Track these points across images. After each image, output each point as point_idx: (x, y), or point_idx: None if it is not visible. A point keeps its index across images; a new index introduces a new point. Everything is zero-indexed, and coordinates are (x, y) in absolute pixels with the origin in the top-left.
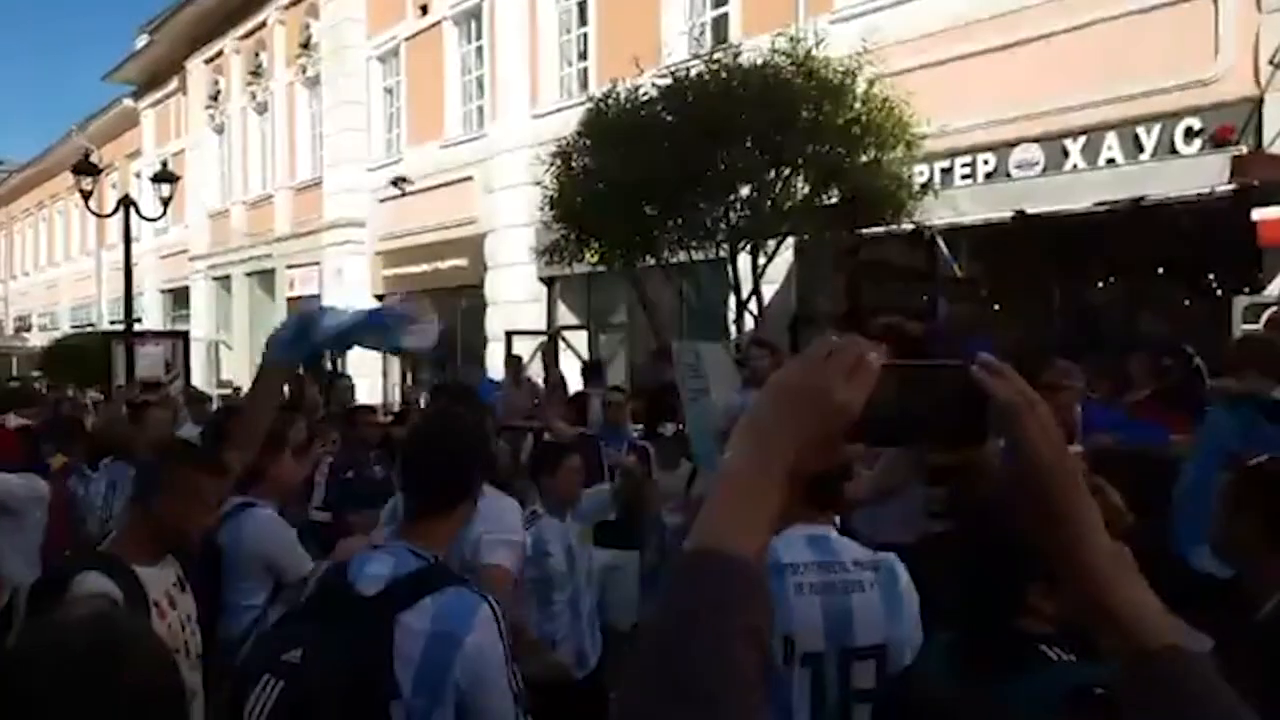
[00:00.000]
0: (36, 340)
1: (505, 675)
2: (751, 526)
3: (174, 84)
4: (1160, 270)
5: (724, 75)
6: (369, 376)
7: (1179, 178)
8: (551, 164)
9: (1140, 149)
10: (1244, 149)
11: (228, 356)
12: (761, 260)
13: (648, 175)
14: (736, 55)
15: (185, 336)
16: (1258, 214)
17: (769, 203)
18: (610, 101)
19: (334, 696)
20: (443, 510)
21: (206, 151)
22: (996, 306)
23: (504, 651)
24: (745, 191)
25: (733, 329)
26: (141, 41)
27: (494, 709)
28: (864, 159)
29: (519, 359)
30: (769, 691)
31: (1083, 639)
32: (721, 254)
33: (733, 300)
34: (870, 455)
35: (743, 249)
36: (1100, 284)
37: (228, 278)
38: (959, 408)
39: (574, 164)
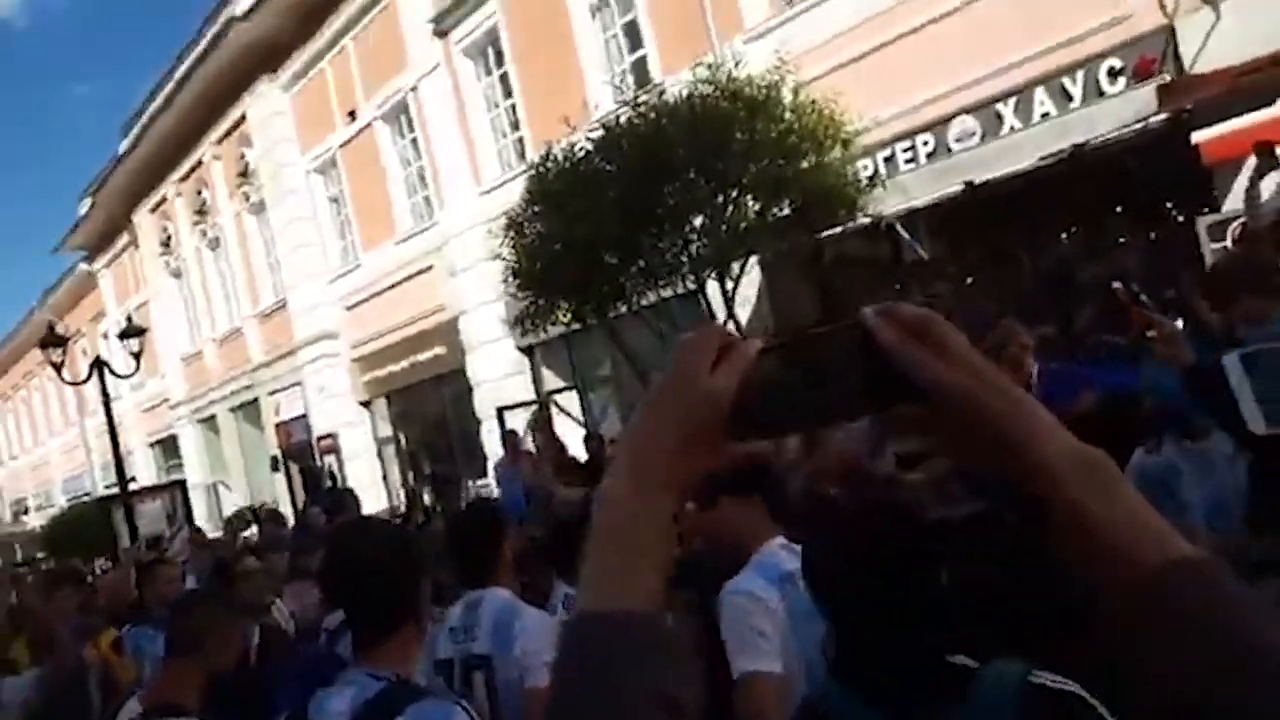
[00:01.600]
0: (35, 520)
1: None
2: (641, 573)
3: (124, 239)
4: (1118, 210)
5: (653, 115)
6: (371, 485)
7: (1113, 117)
8: (505, 236)
9: (1070, 98)
10: (1167, 77)
11: (227, 496)
12: (729, 285)
13: (599, 227)
14: (661, 94)
15: (182, 485)
16: (1197, 136)
17: (723, 227)
18: (549, 164)
19: None
20: (385, 632)
21: (168, 298)
22: (969, 280)
23: None
24: (699, 221)
25: None
26: (85, 207)
27: None
28: (805, 165)
29: (514, 433)
30: None
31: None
32: (690, 286)
33: None
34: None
35: (709, 277)
36: (1064, 236)
37: (213, 417)
38: (860, 368)
39: (526, 231)
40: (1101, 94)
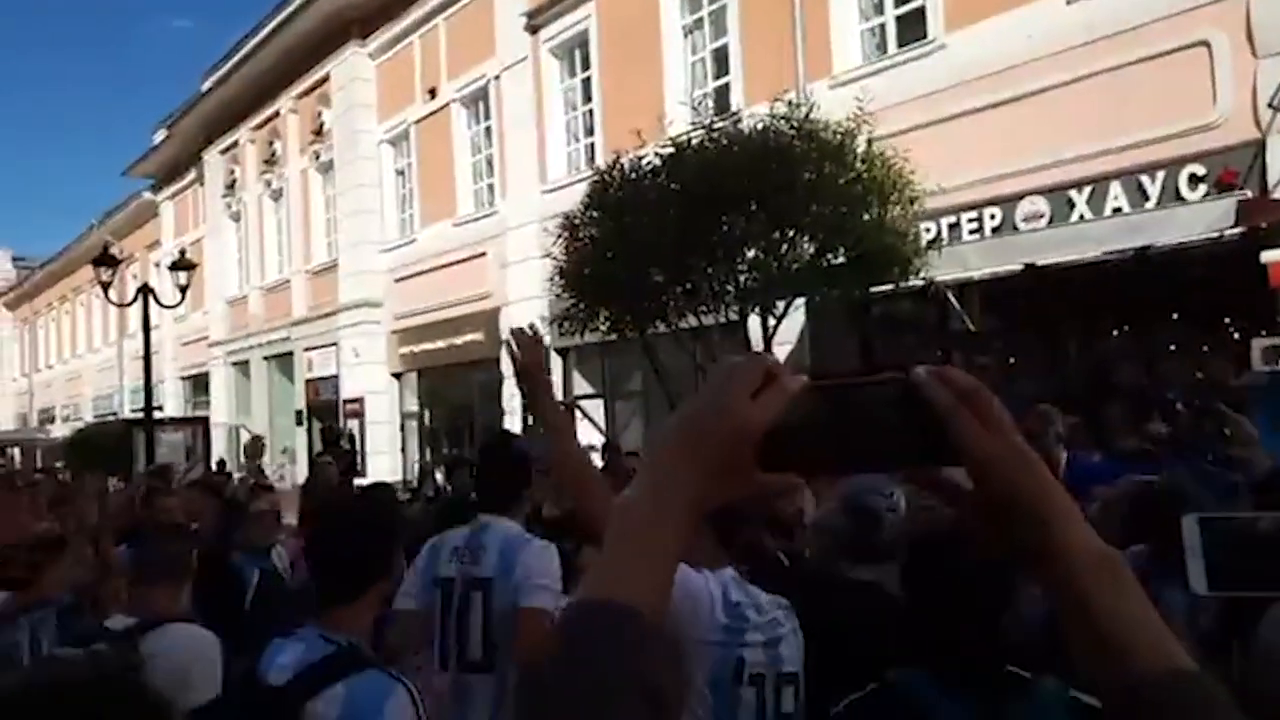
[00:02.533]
0: (60, 431)
1: None
2: (645, 573)
3: (191, 175)
4: (1174, 316)
5: (725, 142)
6: (388, 454)
7: (1185, 224)
8: (559, 236)
9: (1145, 197)
10: (1249, 193)
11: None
12: (771, 322)
13: (653, 243)
14: (737, 122)
15: (205, 422)
16: (1267, 256)
17: (775, 264)
18: (615, 173)
19: None
20: (350, 596)
21: (224, 239)
22: (1011, 360)
23: None
24: (751, 254)
25: None
26: (159, 136)
27: None
28: (866, 217)
29: (536, 429)
30: None
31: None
32: (732, 317)
33: None
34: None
35: (752, 310)
36: (1114, 333)
37: (246, 362)
38: (901, 423)
39: (580, 235)
40: (1179, 198)
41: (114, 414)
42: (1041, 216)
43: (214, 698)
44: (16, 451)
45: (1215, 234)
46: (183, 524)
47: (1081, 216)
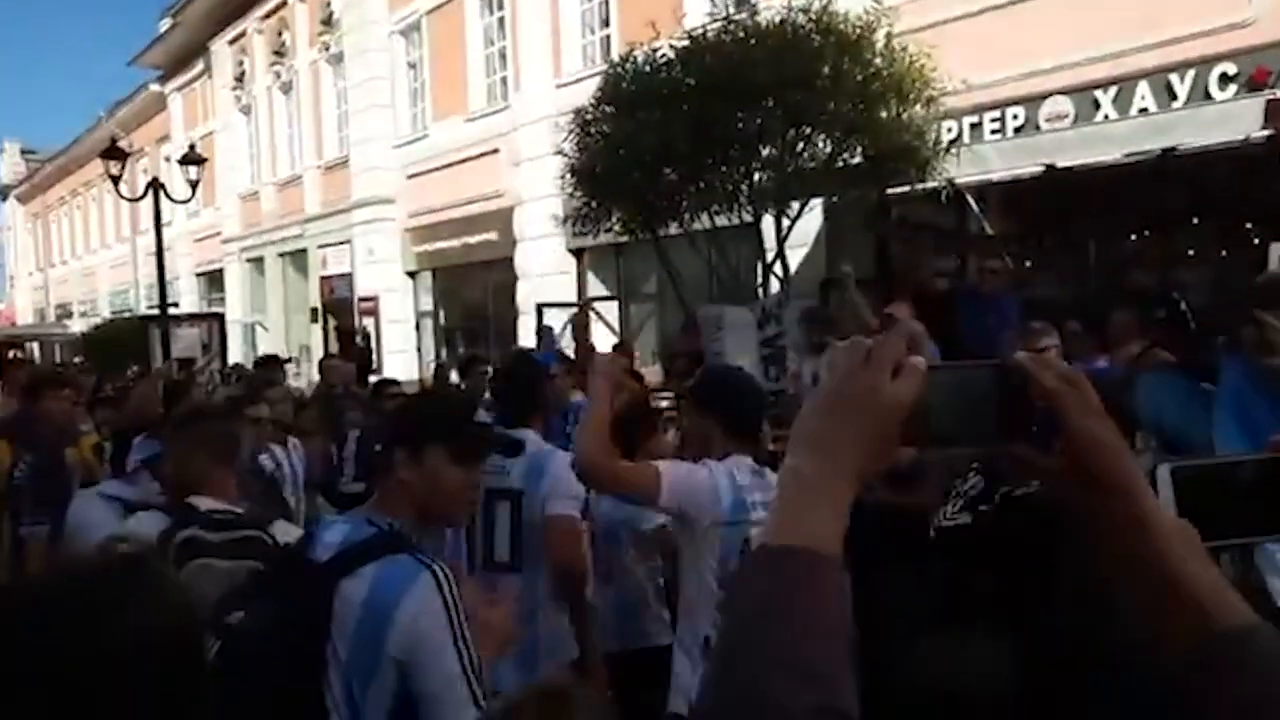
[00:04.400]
0: (77, 326)
1: (449, 645)
2: (831, 527)
3: (199, 67)
4: (1195, 221)
5: (741, 35)
6: (404, 352)
7: (1212, 125)
8: (570, 131)
9: (1174, 97)
10: (1279, 93)
11: (263, 337)
12: (785, 223)
13: (666, 140)
14: (754, 14)
15: (221, 318)
16: None
17: (791, 164)
18: (628, 67)
19: (266, 660)
20: (381, 478)
21: (235, 133)
22: (1028, 264)
23: (448, 621)
24: (766, 152)
25: (760, 293)
26: (165, 25)
27: (436, 680)
28: (885, 115)
29: (549, 329)
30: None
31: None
32: (746, 218)
33: (759, 264)
34: None
35: (767, 211)
36: (1134, 237)
37: (260, 259)
38: (998, 403)
39: (592, 131)
40: (1208, 98)
41: (130, 310)
42: (1065, 117)
43: (260, 571)
44: (35, 346)
45: (1241, 137)
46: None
47: (1106, 117)
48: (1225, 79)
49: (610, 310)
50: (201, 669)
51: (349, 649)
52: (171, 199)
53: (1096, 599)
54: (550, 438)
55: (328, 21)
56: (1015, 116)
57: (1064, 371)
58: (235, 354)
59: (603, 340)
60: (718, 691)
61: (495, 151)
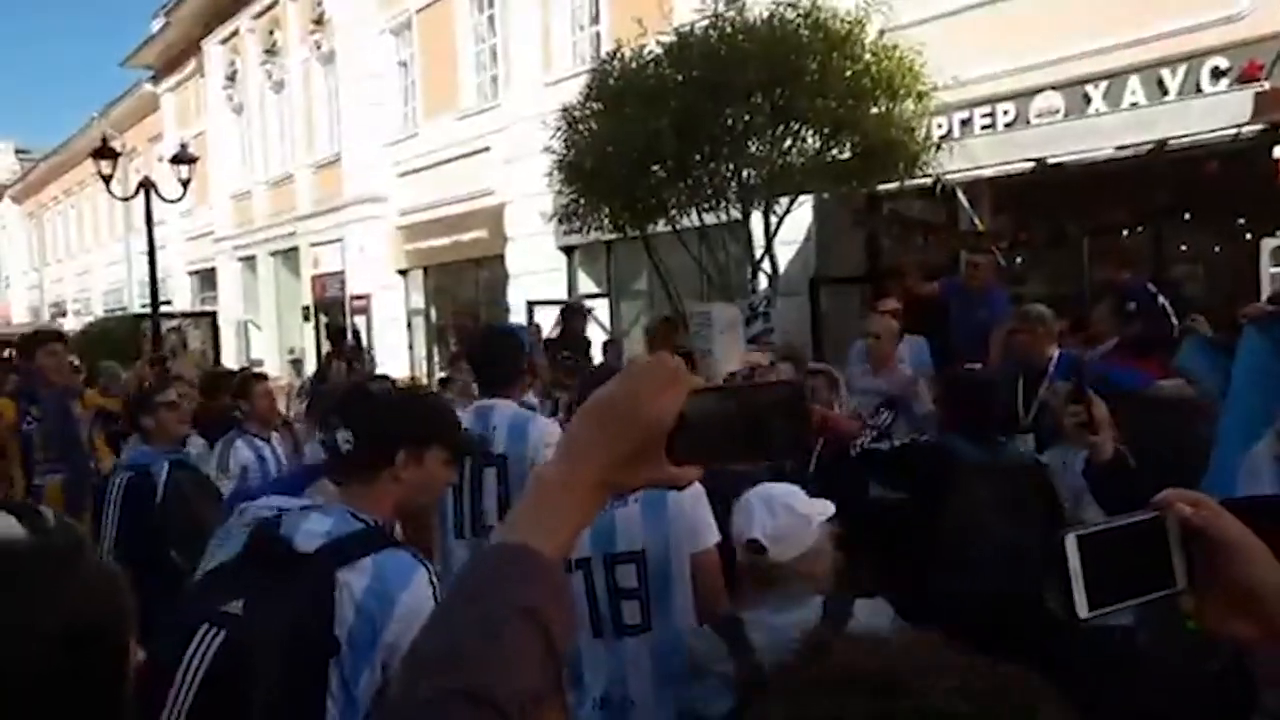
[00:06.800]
0: (72, 325)
1: None
2: (550, 530)
3: (191, 66)
4: (1186, 216)
5: (729, 31)
6: (396, 350)
7: (1202, 118)
8: (559, 129)
9: (1164, 92)
10: (1267, 85)
11: (256, 336)
12: (774, 219)
13: (653, 136)
14: (742, 9)
15: (213, 317)
16: None
17: (779, 159)
18: (615, 63)
19: (276, 648)
20: (370, 474)
21: (227, 132)
22: (1019, 259)
23: None
24: (754, 149)
25: (750, 290)
26: (157, 25)
27: None
28: (874, 111)
29: (538, 328)
30: (556, 673)
31: None
32: (735, 215)
33: (749, 261)
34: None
35: (755, 208)
36: (1125, 232)
37: (253, 258)
38: (784, 422)
39: (580, 128)
40: (1199, 92)
41: (124, 308)
42: (1056, 112)
43: (237, 556)
44: None
45: (1233, 130)
46: None
47: (1097, 111)
48: (1217, 73)
49: (601, 307)
50: (121, 676)
51: (348, 639)
52: (163, 198)
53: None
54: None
55: (319, 20)
56: (1006, 112)
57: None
58: (228, 353)
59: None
60: (392, 682)
61: (486, 149)
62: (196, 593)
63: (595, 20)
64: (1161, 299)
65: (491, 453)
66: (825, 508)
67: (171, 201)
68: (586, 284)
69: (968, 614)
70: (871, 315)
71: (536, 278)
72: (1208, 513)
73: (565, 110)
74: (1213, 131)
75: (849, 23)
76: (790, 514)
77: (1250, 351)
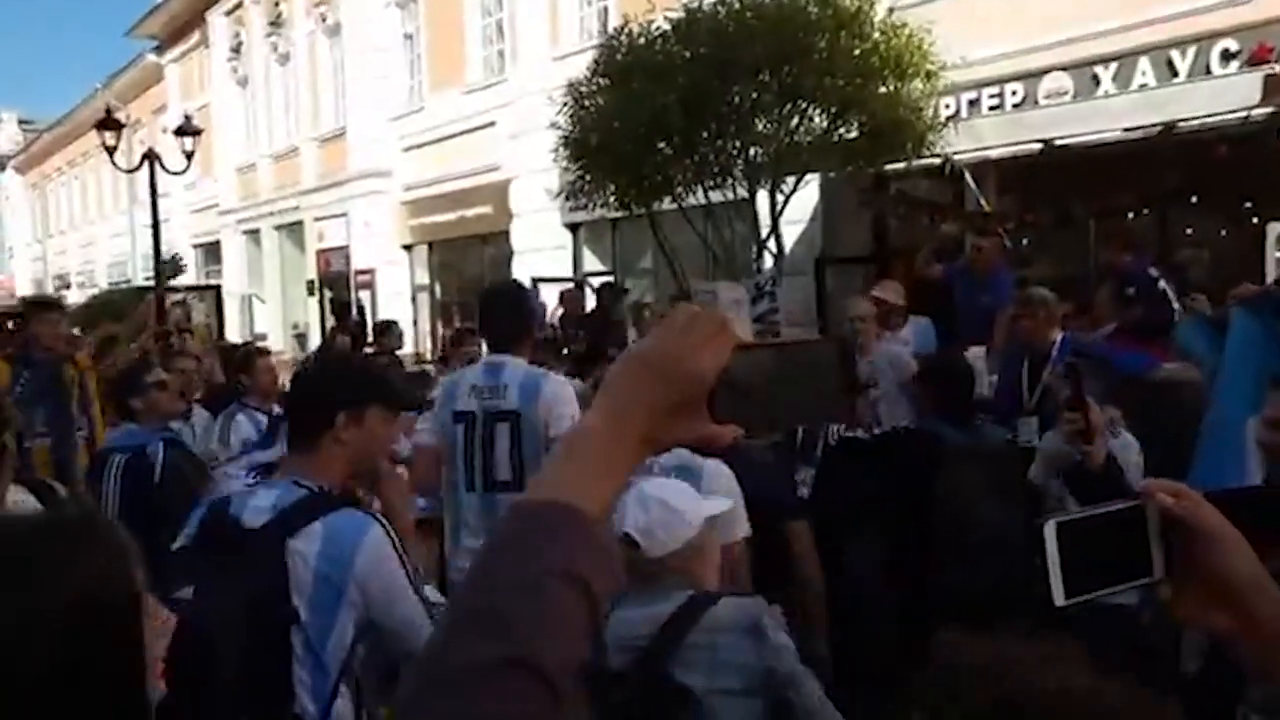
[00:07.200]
0: (75, 297)
1: (407, 586)
2: (592, 485)
3: (196, 37)
4: (1194, 199)
5: (737, 7)
6: (401, 326)
7: (1211, 100)
8: (565, 104)
9: (1174, 74)
10: (1278, 69)
11: (261, 310)
12: (780, 198)
13: (659, 113)
14: None
15: (217, 291)
16: None
17: (786, 138)
18: (623, 39)
19: (234, 629)
20: (311, 441)
21: (231, 105)
22: (1025, 241)
23: (399, 566)
24: (760, 127)
25: (755, 268)
26: None
27: (403, 618)
28: (882, 90)
29: (543, 305)
30: (592, 636)
31: None
32: (741, 193)
33: (754, 240)
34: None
35: (761, 186)
36: (1131, 214)
37: (257, 231)
38: (831, 376)
39: (586, 104)
40: (1209, 74)
41: (128, 281)
42: (1065, 93)
43: (190, 539)
44: None
45: (1243, 113)
46: None
47: (1106, 93)
48: (1227, 55)
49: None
50: (137, 643)
51: (309, 605)
52: (167, 170)
53: (964, 516)
54: None
55: None
56: (1014, 92)
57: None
58: (233, 327)
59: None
60: (427, 645)
61: (492, 124)
62: (151, 580)
63: None
64: (1162, 283)
65: (505, 409)
66: (712, 506)
67: (176, 174)
68: (591, 261)
69: (970, 604)
70: (853, 299)
71: (541, 254)
72: (1188, 503)
73: (572, 86)
74: (1222, 114)
75: (857, 1)
76: (664, 509)
77: (1241, 330)
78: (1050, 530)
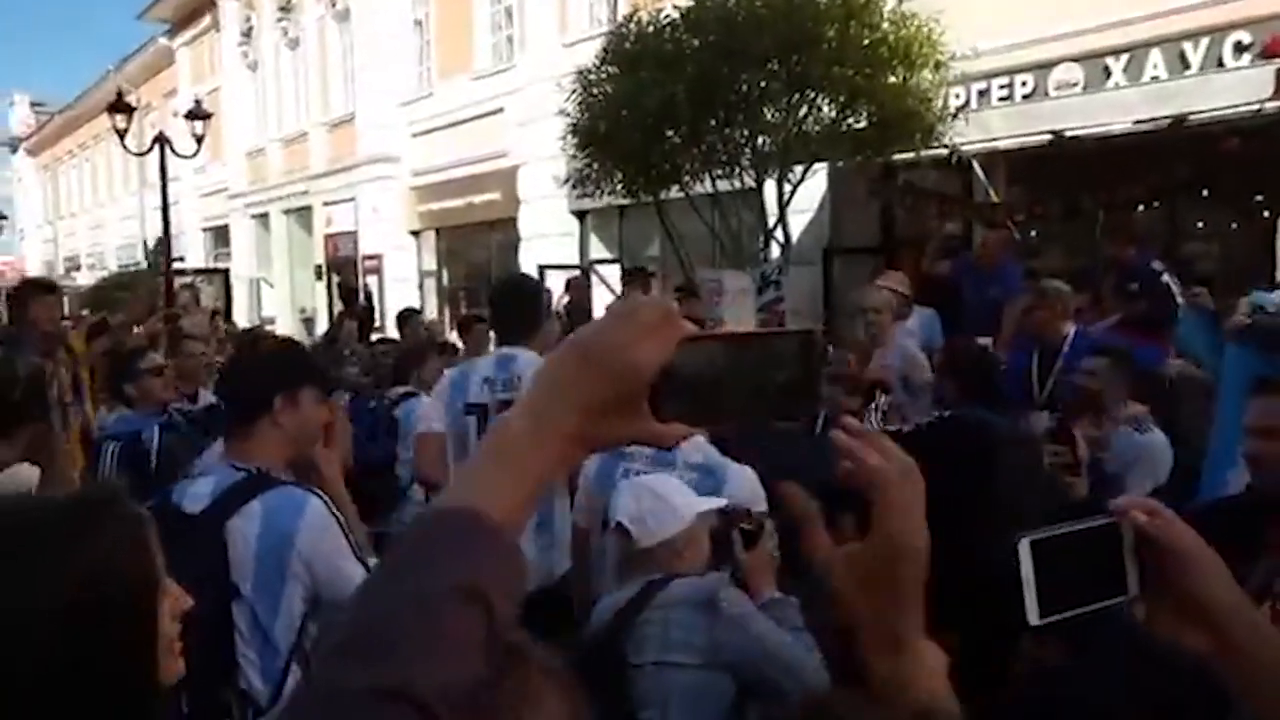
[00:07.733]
0: (85, 279)
1: (350, 558)
2: (506, 490)
3: (207, 21)
4: (1204, 192)
5: None
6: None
7: (1223, 93)
8: (573, 92)
9: (1186, 65)
10: None
11: (268, 294)
12: (787, 187)
13: (668, 101)
14: None
15: (226, 274)
16: None
17: (794, 127)
18: (632, 27)
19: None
20: (248, 426)
21: (241, 89)
22: (1033, 233)
23: (341, 536)
24: (769, 116)
25: (762, 258)
26: None
27: (346, 588)
28: (891, 80)
29: (548, 292)
30: (501, 652)
31: None
32: (749, 182)
33: (761, 229)
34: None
35: (769, 176)
36: (1141, 207)
37: (266, 215)
38: (791, 373)
39: (594, 91)
40: (1221, 66)
41: (137, 264)
42: (1075, 84)
43: None
44: None
45: (1255, 106)
46: None
47: (1117, 85)
48: (1239, 48)
49: (613, 274)
50: (151, 621)
51: (252, 584)
52: (177, 154)
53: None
54: None
55: None
56: (1024, 83)
57: (899, 458)
58: (241, 310)
59: (604, 303)
60: (317, 656)
61: (500, 111)
62: None
63: None
64: (1166, 277)
65: (512, 400)
66: (706, 503)
67: (186, 157)
68: (598, 249)
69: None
70: (866, 289)
71: (548, 241)
72: (1161, 521)
73: (580, 73)
74: (1233, 107)
75: None
76: (656, 500)
77: (1234, 362)
78: (1025, 548)
